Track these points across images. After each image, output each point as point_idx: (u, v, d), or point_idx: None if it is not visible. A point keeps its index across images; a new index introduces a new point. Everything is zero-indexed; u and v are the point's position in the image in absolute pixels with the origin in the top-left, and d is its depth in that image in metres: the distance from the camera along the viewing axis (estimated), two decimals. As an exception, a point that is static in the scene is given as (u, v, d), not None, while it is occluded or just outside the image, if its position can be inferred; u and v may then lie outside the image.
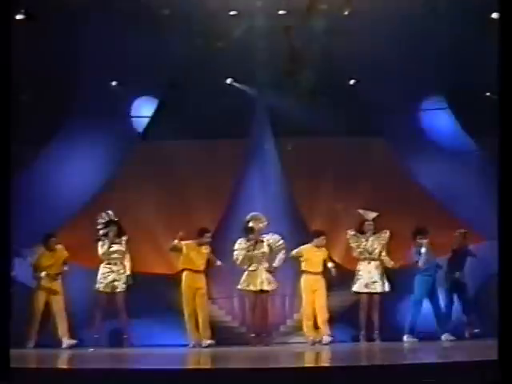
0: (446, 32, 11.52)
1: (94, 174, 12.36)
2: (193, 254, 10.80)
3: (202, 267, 10.87)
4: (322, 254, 11.02)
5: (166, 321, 11.19)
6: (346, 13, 11.72)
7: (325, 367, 5.34)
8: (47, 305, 10.93)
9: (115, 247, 10.87)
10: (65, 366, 6.07)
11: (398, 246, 11.26)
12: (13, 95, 11.64)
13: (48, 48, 11.46)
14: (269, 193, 12.47)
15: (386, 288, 11.01)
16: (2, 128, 4.30)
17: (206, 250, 10.86)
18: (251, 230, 10.82)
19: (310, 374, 4.59)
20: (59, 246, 11.09)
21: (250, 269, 10.79)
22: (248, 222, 10.91)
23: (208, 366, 6.24)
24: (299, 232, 12.05)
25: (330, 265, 10.84)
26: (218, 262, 10.91)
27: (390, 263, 11.02)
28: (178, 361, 7.42)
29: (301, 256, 10.95)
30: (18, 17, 11.11)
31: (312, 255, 10.94)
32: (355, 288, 11.05)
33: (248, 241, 10.83)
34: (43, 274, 10.87)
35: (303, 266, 10.97)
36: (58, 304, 10.90)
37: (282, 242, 10.98)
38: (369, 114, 12.47)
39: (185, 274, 10.83)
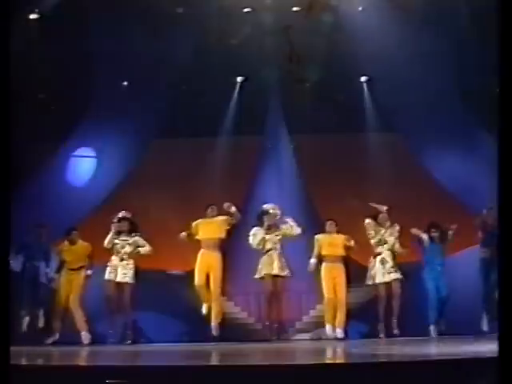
0: (460, 28, 11.48)
1: (109, 172, 12.43)
2: (204, 228, 10.83)
3: (216, 236, 10.87)
4: (336, 239, 10.95)
5: (178, 317, 11.19)
6: (360, 9, 11.74)
7: (341, 363, 5.34)
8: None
9: (124, 242, 10.88)
10: (70, 363, 6.11)
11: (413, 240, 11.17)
12: (30, 94, 11.90)
13: (62, 48, 11.52)
14: (284, 190, 12.48)
15: (399, 275, 10.92)
16: (2, 127, 4.30)
17: (217, 219, 10.87)
18: (266, 212, 10.83)
19: (324, 371, 4.59)
20: (81, 241, 11.10)
21: (265, 253, 10.76)
22: (263, 209, 10.97)
23: (222, 363, 6.25)
24: (315, 228, 12.05)
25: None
26: (233, 208, 10.85)
27: (400, 249, 10.94)
28: (189, 357, 7.44)
29: (317, 242, 10.91)
30: (32, 16, 11.25)
31: (325, 241, 10.90)
32: (372, 281, 10.95)
33: (262, 225, 10.83)
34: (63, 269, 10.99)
35: (321, 252, 10.90)
36: (74, 299, 10.95)
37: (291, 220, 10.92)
38: (383, 110, 12.45)
39: (200, 252, 10.86)
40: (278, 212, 10.99)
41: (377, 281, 10.92)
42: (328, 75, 12.31)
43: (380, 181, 12.55)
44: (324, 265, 10.91)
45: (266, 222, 10.84)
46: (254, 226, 10.96)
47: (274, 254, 10.78)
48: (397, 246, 10.97)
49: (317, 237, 10.99)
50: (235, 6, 11.57)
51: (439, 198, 12.06)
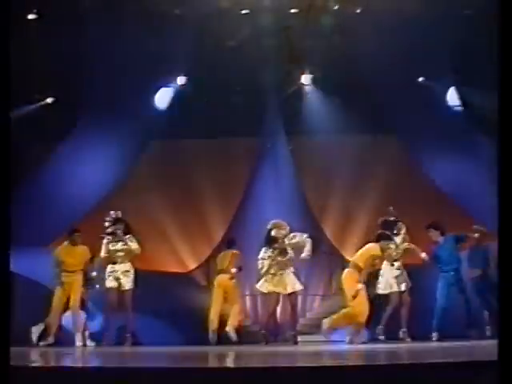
0: (459, 28, 11.48)
1: (107, 174, 12.40)
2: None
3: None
4: None
5: (176, 319, 11.16)
6: (358, 11, 11.74)
7: (341, 366, 5.31)
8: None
9: (120, 245, 10.76)
10: (67, 365, 6.08)
11: (411, 242, 11.12)
12: (29, 95, 11.90)
13: (60, 48, 11.51)
14: (281, 191, 12.48)
15: (403, 287, 10.75)
16: (2, 127, 4.29)
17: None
18: (274, 239, 10.45)
19: (325, 373, 4.57)
20: (82, 246, 10.89)
21: (276, 273, 10.42)
22: (270, 230, 10.51)
23: (221, 365, 6.19)
24: (311, 230, 12.04)
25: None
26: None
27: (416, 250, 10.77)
28: (188, 360, 7.40)
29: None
30: (30, 16, 11.25)
31: None
32: (381, 290, 10.81)
33: (272, 250, 10.44)
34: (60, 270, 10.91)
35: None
36: (75, 301, 10.82)
37: (305, 236, 10.63)
38: (381, 112, 12.45)
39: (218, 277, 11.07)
40: (287, 230, 10.48)
41: (385, 291, 10.74)
42: (327, 76, 12.33)
43: (379, 183, 12.57)
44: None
45: (277, 247, 10.39)
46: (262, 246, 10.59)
47: (285, 275, 10.39)
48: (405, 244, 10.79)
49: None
50: (233, 8, 11.57)
51: (438, 200, 12.06)
